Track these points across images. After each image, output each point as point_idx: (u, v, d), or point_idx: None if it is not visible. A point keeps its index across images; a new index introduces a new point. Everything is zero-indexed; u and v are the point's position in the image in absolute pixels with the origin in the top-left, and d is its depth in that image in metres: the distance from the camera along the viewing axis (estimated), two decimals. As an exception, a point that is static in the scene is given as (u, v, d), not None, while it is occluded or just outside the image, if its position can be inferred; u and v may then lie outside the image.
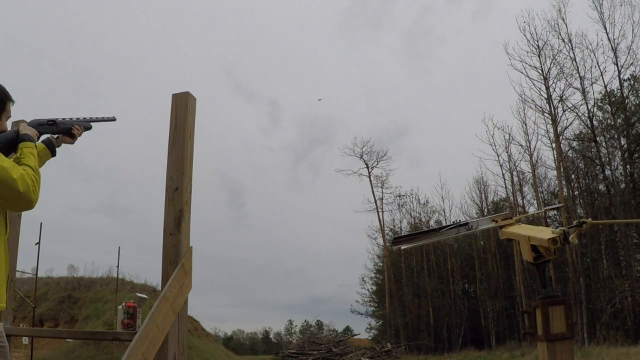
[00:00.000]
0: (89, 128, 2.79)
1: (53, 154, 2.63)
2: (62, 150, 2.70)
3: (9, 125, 2.35)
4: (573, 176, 25.21)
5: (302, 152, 71.25)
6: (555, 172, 25.26)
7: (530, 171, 27.56)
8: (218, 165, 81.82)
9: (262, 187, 74.11)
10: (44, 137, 2.61)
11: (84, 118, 2.76)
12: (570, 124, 24.31)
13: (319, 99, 54.27)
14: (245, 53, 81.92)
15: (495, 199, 33.55)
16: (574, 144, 24.99)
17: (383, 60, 64.15)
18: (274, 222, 76.63)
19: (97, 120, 2.81)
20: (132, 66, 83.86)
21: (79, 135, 2.71)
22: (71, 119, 2.69)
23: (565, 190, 24.47)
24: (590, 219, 3.35)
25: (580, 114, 23.72)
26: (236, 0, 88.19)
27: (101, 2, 79.22)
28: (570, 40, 23.72)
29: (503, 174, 30.40)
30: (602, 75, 22.91)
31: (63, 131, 2.65)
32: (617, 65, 22.45)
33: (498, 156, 30.22)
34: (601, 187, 24.58)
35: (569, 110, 23.81)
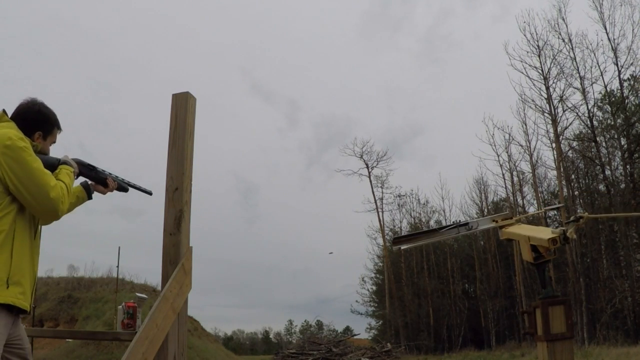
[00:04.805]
0: (125, 190, 2.79)
1: (89, 196, 2.63)
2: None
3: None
4: (573, 176, 25.20)
5: (316, 153, 71.12)
6: (555, 172, 25.27)
7: (530, 171, 27.59)
8: (233, 166, 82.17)
9: (275, 188, 73.97)
10: (81, 179, 2.62)
11: (123, 179, 2.76)
12: (570, 124, 24.34)
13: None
14: (264, 53, 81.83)
15: (495, 199, 33.61)
16: (574, 144, 25.00)
17: (399, 61, 64.34)
18: (285, 223, 76.45)
19: (134, 187, 2.84)
20: (148, 68, 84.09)
21: (112, 189, 2.71)
22: (110, 174, 2.70)
23: (565, 190, 24.47)
24: (587, 213, 3.36)
25: (580, 114, 23.75)
26: (254, 1, 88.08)
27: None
28: (570, 40, 23.74)
29: (503, 174, 30.47)
30: (602, 75, 22.94)
31: (98, 180, 2.66)
32: (617, 65, 22.46)
33: (498, 156, 30.29)
34: (601, 187, 24.58)
35: (569, 110, 23.83)
